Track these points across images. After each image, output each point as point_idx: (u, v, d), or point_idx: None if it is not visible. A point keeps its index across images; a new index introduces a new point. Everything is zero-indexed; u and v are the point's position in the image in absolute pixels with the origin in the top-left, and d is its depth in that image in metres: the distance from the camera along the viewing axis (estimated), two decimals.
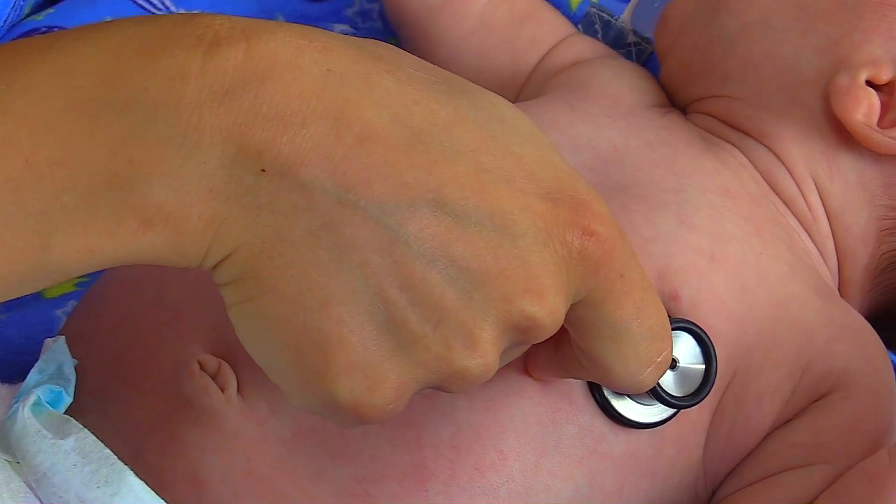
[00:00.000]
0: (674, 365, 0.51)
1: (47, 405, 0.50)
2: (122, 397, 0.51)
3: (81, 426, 0.49)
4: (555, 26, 0.71)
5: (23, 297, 0.65)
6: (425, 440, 0.49)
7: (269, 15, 0.76)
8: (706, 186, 0.58)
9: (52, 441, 0.48)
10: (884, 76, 0.58)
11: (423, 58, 0.43)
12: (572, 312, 0.43)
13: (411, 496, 0.49)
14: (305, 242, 0.39)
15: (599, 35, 0.73)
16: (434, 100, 0.41)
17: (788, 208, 0.60)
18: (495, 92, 0.44)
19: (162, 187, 0.38)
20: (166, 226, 0.38)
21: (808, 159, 0.60)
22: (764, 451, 0.54)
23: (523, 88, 0.69)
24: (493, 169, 0.40)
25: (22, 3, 0.72)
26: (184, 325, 0.51)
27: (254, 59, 0.39)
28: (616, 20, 0.73)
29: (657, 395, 0.50)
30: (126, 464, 0.47)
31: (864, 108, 0.58)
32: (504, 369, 0.47)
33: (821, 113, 0.59)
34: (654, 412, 0.52)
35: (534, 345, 0.44)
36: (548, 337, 0.42)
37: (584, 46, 0.70)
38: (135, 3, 0.74)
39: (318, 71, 0.39)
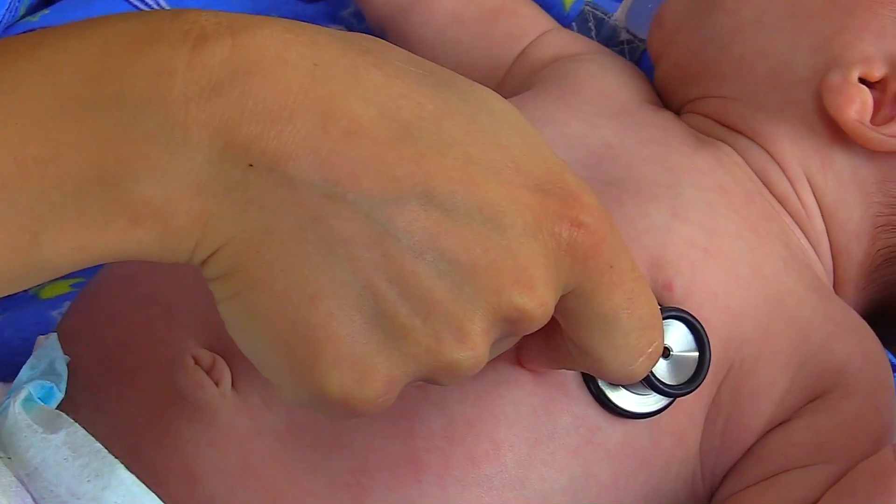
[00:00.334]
0: (667, 354, 0.51)
1: (38, 400, 0.50)
2: (116, 393, 0.52)
3: (72, 421, 0.49)
4: (533, 20, 0.71)
5: (19, 298, 0.66)
6: (418, 431, 0.49)
7: (262, 14, 0.76)
8: (700, 183, 0.58)
9: (43, 436, 0.48)
10: (876, 73, 0.58)
11: None
12: (563, 304, 0.43)
13: (405, 487, 0.49)
14: (293, 237, 0.39)
15: (593, 33, 0.73)
16: (422, 93, 0.41)
17: (783, 206, 0.60)
18: None
19: (150, 183, 0.38)
20: (154, 222, 0.38)
21: (801, 157, 0.60)
22: (765, 450, 0.54)
23: (504, 82, 0.69)
24: (481, 161, 0.40)
25: (17, 4, 0.72)
26: (177, 321, 0.52)
27: (240, 54, 0.39)
28: (609, 18, 0.73)
29: (651, 384, 0.50)
30: (120, 459, 0.48)
31: (857, 106, 0.58)
32: (497, 360, 0.47)
33: (814, 111, 0.59)
34: (649, 402, 0.52)
35: (525, 336, 0.44)
36: (538, 328, 0.42)
37: (568, 41, 0.69)
38: (129, 2, 0.74)
39: (305, 65, 0.39)
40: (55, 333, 0.54)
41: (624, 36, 0.72)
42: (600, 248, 0.42)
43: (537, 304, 0.41)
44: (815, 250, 0.60)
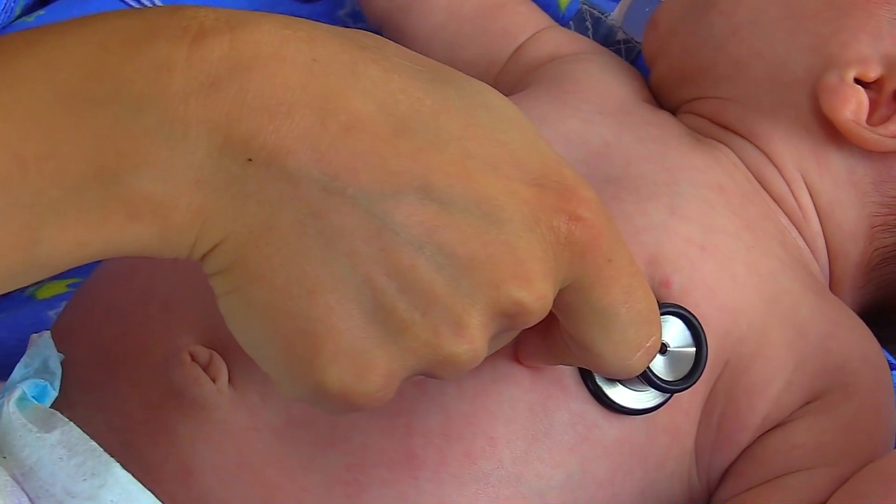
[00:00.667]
0: (664, 349, 0.51)
1: (32, 399, 0.50)
2: (112, 389, 0.51)
3: (67, 419, 0.49)
4: (528, 18, 0.71)
5: (15, 299, 0.66)
6: (415, 427, 0.50)
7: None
8: (698, 182, 0.58)
9: (38, 435, 0.48)
10: (872, 74, 0.58)
11: None
12: (561, 298, 0.43)
13: (401, 483, 0.49)
14: (293, 231, 0.39)
15: (590, 32, 0.74)
16: (419, 88, 0.41)
17: (779, 206, 0.60)
18: None
19: (149, 179, 0.38)
20: (154, 217, 0.39)
21: (797, 158, 0.60)
22: (765, 452, 0.54)
23: (498, 79, 0.69)
24: (479, 156, 0.40)
25: (13, 4, 0.72)
26: (174, 316, 0.52)
27: (239, 50, 0.39)
28: (606, 17, 0.73)
29: (648, 379, 0.50)
30: (115, 454, 0.48)
31: (852, 106, 0.58)
32: (494, 356, 0.47)
33: (810, 111, 0.59)
34: (646, 398, 0.52)
35: (523, 332, 0.45)
36: (536, 322, 0.42)
37: (564, 40, 0.70)
38: (124, 2, 0.74)
39: (304, 60, 0.39)
40: (48, 332, 0.54)
41: (621, 35, 0.72)
42: (598, 243, 0.42)
43: (535, 297, 0.41)
44: (811, 250, 0.60)
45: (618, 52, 0.73)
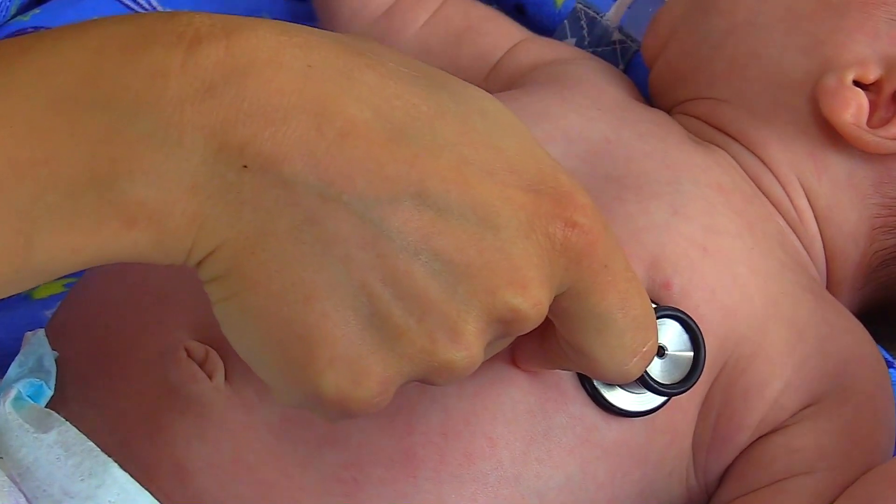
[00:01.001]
0: (662, 353, 0.51)
1: (28, 399, 0.50)
2: (107, 385, 0.51)
3: (63, 419, 0.49)
4: (498, 36, 0.70)
5: (11, 298, 0.66)
6: (414, 427, 0.50)
7: (255, 13, 0.76)
8: (699, 180, 0.58)
9: (35, 435, 0.48)
10: (871, 75, 0.58)
11: None
12: (557, 304, 0.43)
13: (400, 482, 0.49)
14: (288, 237, 0.39)
15: (585, 31, 0.73)
16: (415, 94, 0.41)
17: (776, 209, 0.60)
18: None
19: (144, 185, 0.38)
20: (149, 223, 0.38)
21: (793, 162, 0.59)
22: (766, 455, 0.54)
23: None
24: (474, 162, 0.40)
25: (8, 3, 0.72)
26: (169, 311, 0.52)
27: (235, 56, 0.39)
28: (602, 17, 0.73)
29: (646, 383, 0.50)
30: (111, 452, 0.48)
31: (852, 109, 0.57)
32: (493, 359, 0.47)
33: (807, 114, 0.59)
34: (644, 401, 0.52)
35: (520, 337, 0.44)
36: (532, 329, 0.42)
37: (545, 48, 0.69)
38: (120, 1, 0.74)
39: (299, 66, 0.39)
40: (42, 330, 0.54)
41: (616, 36, 0.72)
42: (594, 248, 0.42)
43: (532, 304, 0.41)
44: (808, 253, 0.60)
45: (613, 52, 0.72)
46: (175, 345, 0.50)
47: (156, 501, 0.48)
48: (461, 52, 0.70)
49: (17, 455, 0.48)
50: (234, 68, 0.38)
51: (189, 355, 0.50)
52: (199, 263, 0.40)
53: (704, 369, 0.52)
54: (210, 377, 0.49)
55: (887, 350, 0.61)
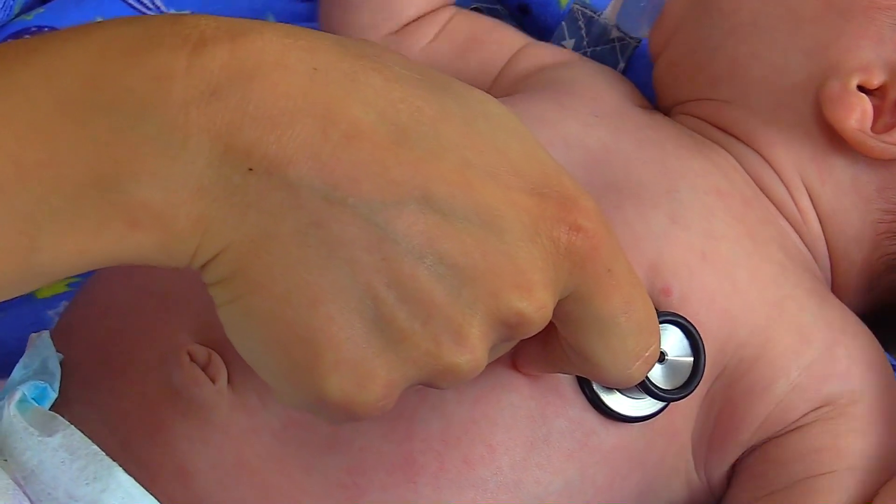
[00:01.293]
0: (662, 358, 0.51)
1: (33, 401, 0.50)
2: (109, 387, 0.51)
3: (68, 423, 0.49)
4: (500, 45, 0.70)
5: (15, 297, 0.66)
6: (415, 433, 0.50)
7: (259, 14, 0.76)
8: (698, 186, 0.58)
9: (40, 438, 0.48)
10: (875, 81, 0.58)
11: None
12: (560, 308, 0.43)
13: (400, 488, 0.49)
14: (293, 241, 0.39)
15: (583, 31, 0.73)
16: (420, 97, 0.41)
17: (778, 210, 0.60)
18: None
19: (149, 187, 0.38)
20: (154, 226, 0.38)
21: (797, 164, 0.59)
22: (785, 456, 0.54)
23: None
24: (478, 165, 0.40)
25: (12, 2, 0.72)
26: (172, 314, 0.52)
27: (240, 59, 0.39)
28: (599, 16, 0.73)
29: (646, 388, 0.50)
30: (113, 454, 0.48)
31: (857, 115, 0.57)
32: (493, 364, 0.47)
33: (811, 117, 0.59)
34: (643, 405, 0.52)
35: (522, 340, 0.45)
36: (536, 332, 0.42)
37: (546, 53, 0.69)
38: (125, 1, 0.74)
39: (305, 69, 0.39)
40: (47, 332, 0.54)
41: (615, 34, 0.72)
42: (598, 252, 0.42)
43: (536, 307, 0.41)
44: (811, 254, 0.60)
45: (612, 50, 0.72)
46: (178, 348, 0.50)
47: None
48: (467, 65, 0.70)
49: (21, 458, 0.48)
50: (239, 71, 0.38)
51: (192, 359, 0.50)
52: (204, 266, 0.40)
53: (705, 372, 0.52)
54: (213, 381, 0.50)
55: (892, 355, 0.61)
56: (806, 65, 0.59)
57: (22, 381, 0.51)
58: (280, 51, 0.39)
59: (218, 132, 0.38)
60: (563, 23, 0.73)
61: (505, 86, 0.68)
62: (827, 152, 0.59)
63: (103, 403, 0.51)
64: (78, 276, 0.64)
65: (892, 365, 0.59)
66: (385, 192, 0.39)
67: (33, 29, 0.73)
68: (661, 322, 0.50)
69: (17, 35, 0.73)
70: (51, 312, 0.65)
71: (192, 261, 0.40)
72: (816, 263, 0.60)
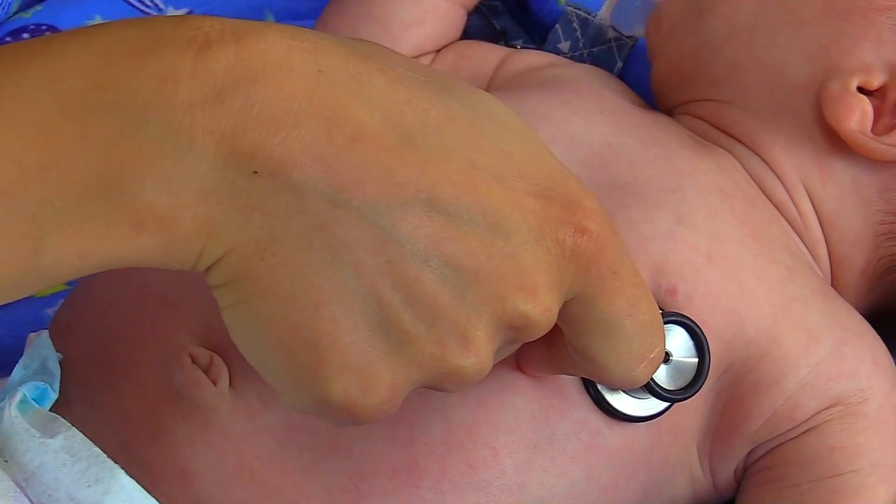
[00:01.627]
0: (667, 359, 0.51)
1: (33, 402, 0.50)
2: (110, 388, 0.51)
3: (69, 424, 0.49)
4: (487, 55, 0.70)
5: None
6: (417, 436, 0.50)
7: (258, 12, 0.76)
8: (703, 186, 0.57)
9: (41, 440, 0.48)
10: (875, 82, 0.57)
11: None
12: (565, 310, 0.43)
13: (402, 492, 0.49)
14: (298, 243, 0.39)
15: (578, 33, 0.73)
16: (425, 99, 0.41)
17: (779, 212, 0.59)
18: None
19: (154, 189, 0.38)
20: (159, 228, 0.38)
21: (797, 166, 0.59)
22: (804, 456, 0.55)
23: None
24: (484, 167, 0.40)
25: (10, 0, 0.72)
26: (172, 313, 0.51)
27: (245, 61, 0.39)
28: (594, 17, 0.72)
29: (651, 389, 0.50)
30: (113, 455, 0.48)
31: (857, 116, 0.57)
32: (497, 366, 0.47)
33: (811, 119, 0.59)
34: (648, 405, 0.52)
35: (526, 342, 0.44)
36: (541, 335, 0.42)
37: (531, 55, 0.69)
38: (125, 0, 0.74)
39: (309, 71, 0.39)
40: (46, 331, 0.54)
41: (611, 34, 0.72)
42: (603, 254, 0.42)
43: (541, 310, 0.41)
44: (812, 256, 0.60)
45: (609, 50, 0.72)
46: (179, 349, 0.50)
47: None
48: (461, 77, 0.69)
49: (22, 459, 0.48)
50: (244, 73, 0.38)
51: (193, 361, 0.50)
52: (209, 269, 0.40)
53: (710, 371, 0.52)
54: (214, 383, 0.49)
55: (894, 354, 0.61)
56: (806, 66, 0.59)
57: (22, 382, 0.51)
58: (285, 52, 0.39)
59: (223, 135, 0.38)
60: (557, 25, 0.73)
61: (498, 87, 0.68)
62: (827, 154, 0.59)
63: (104, 404, 0.51)
64: None
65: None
66: (390, 195, 0.39)
67: (31, 27, 0.73)
68: (666, 322, 0.50)
69: (16, 33, 0.72)
70: (49, 311, 0.65)
71: (197, 263, 0.39)
72: (817, 265, 0.60)
